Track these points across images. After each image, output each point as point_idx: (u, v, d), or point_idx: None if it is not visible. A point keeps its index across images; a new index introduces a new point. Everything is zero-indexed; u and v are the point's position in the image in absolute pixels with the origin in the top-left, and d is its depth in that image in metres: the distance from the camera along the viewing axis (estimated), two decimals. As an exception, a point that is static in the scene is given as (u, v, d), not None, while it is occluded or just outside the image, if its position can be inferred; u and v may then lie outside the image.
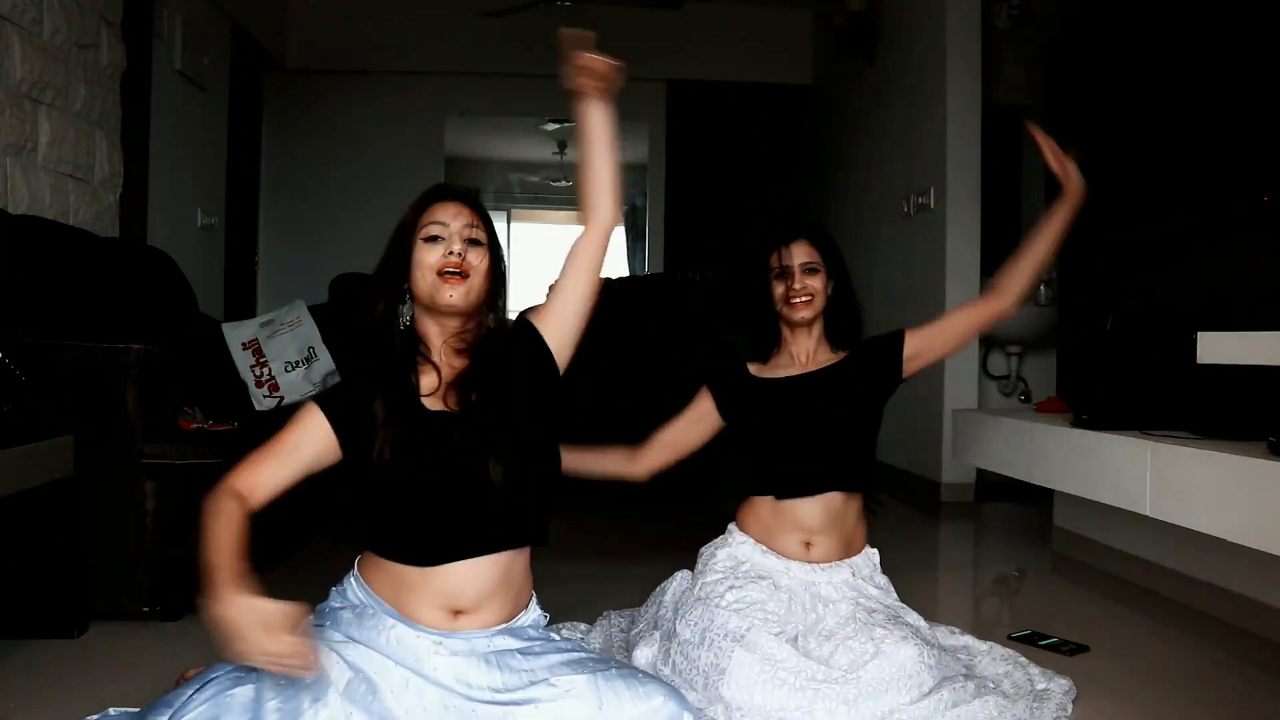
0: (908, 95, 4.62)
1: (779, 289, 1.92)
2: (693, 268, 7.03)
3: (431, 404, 1.44)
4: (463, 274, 1.42)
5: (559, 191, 9.17)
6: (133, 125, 3.68)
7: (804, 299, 1.90)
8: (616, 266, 8.48)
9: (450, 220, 1.45)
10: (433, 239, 1.44)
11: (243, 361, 3.30)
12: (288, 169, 6.15)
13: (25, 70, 2.93)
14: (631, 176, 8.03)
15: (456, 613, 1.39)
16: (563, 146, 8.20)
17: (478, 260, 1.45)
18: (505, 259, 1.52)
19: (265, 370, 3.29)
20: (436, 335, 1.47)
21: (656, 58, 6.25)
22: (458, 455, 1.38)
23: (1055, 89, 3.54)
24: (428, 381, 1.45)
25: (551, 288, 1.58)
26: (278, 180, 6.15)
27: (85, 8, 3.27)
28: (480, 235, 1.47)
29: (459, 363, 1.47)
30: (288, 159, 6.16)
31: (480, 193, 1.55)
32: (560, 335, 1.52)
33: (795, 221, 1.97)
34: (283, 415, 3.20)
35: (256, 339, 3.33)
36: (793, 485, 1.89)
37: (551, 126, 7.38)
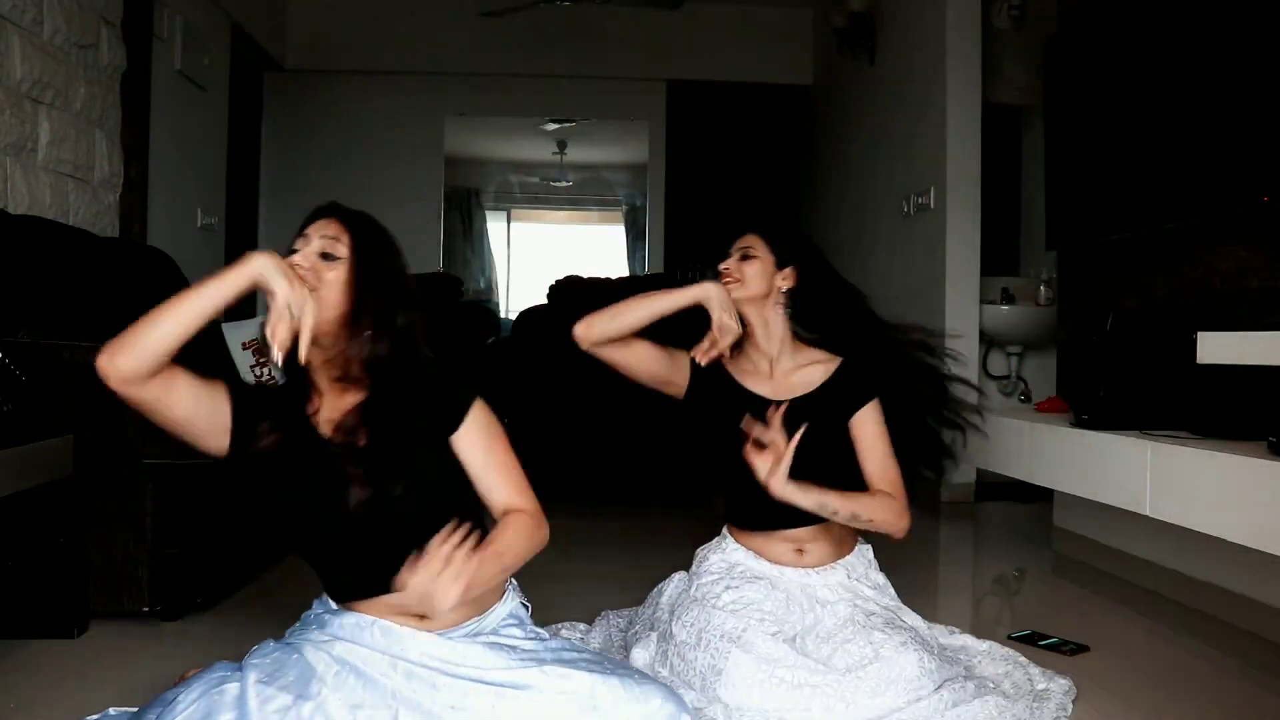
0: (908, 95, 4.62)
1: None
2: (693, 268, 7.03)
3: (324, 428, 1.41)
4: (306, 284, 1.34)
5: (559, 191, 9.17)
6: (133, 125, 3.68)
7: (731, 280, 1.85)
8: (617, 266, 8.48)
9: (313, 235, 1.40)
10: (292, 251, 1.40)
11: (243, 361, 3.30)
12: (288, 169, 6.15)
13: (25, 70, 2.93)
14: (631, 176, 8.04)
15: (420, 617, 1.38)
16: (562, 146, 8.20)
17: (330, 274, 1.37)
18: (378, 272, 1.41)
19: (265, 370, 3.29)
20: (316, 357, 1.40)
21: (656, 58, 6.25)
22: (339, 489, 1.35)
23: (1055, 89, 3.54)
24: (314, 403, 1.43)
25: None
26: (278, 180, 6.15)
27: (85, 8, 3.27)
28: (339, 249, 1.38)
29: (342, 394, 1.42)
30: (288, 159, 6.16)
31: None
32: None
33: (747, 218, 1.95)
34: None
35: (256, 339, 3.33)
36: (772, 520, 1.85)
37: (551, 126, 7.37)
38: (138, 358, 1.26)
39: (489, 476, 1.44)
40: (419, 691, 1.33)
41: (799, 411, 1.78)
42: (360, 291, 1.38)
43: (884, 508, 1.78)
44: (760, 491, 1.71)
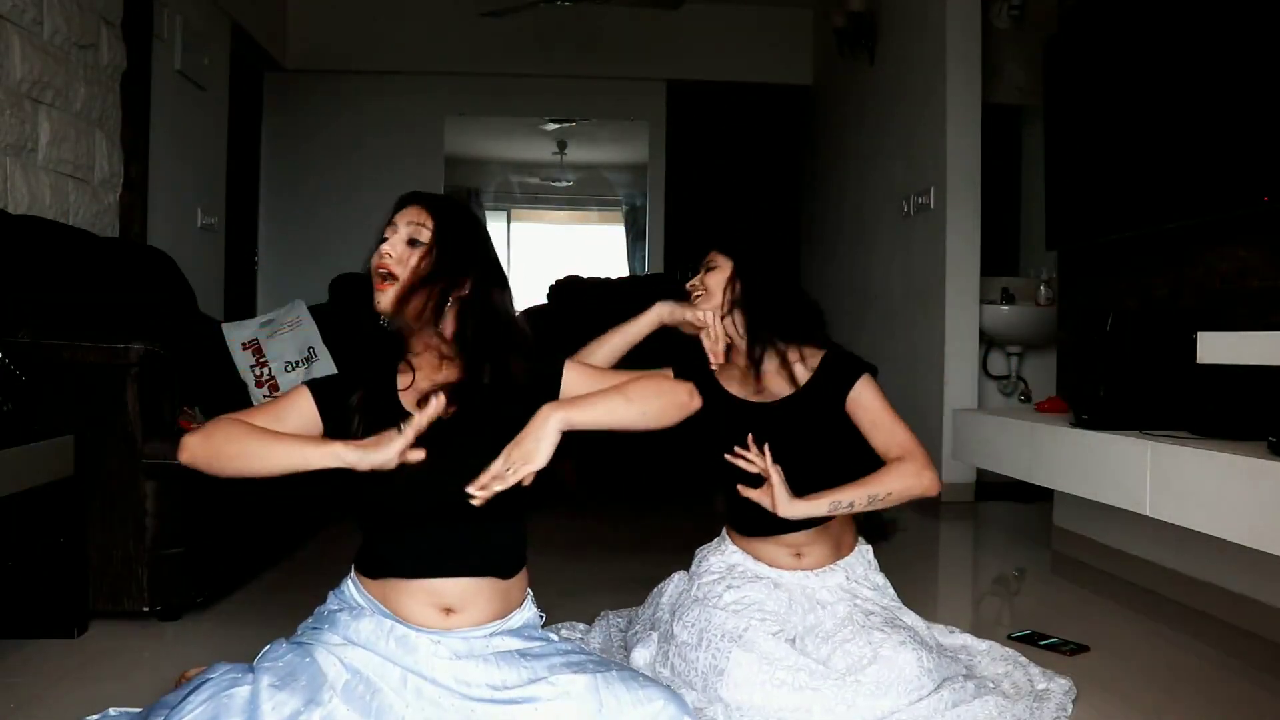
0: (908, 95, 4.62)
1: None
2: (693, 267, 7.02)
3: (409, 403, 1.43)
4: (389, 275, 1.39)
5: (559, 191, 9.17)
6: (133, 125, 3.68)
7: (698, 292, 1.88)
8: (617, 266, 8.49)
9: (401, 224, 1.43)
10: (381, 241, 1.43)
11: (243, 361, 3.30)
12: (288, 169, 6.16)
13: (25, 70, 2.93)
14: (631, 176, 8.04)
15: (447, 610, 1.40)
16: (562, 146, 8.20)
17: (413, 259, 1.40)
18: (456, 257, 1.43)
19: (265, 370, 3.29)
20: (415, 342, 1.46)
21: (656, 58, 6.25)
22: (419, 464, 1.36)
23: (1055, 89, 3.54)
24: (405, 379, 1.46)
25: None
26: (278, 180, 6.15)
27: (85, 8, 3.27)
28: (423, 235, 1.41)
29: (437, 371, 1.46)
30: (288, 159, 6.16)
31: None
32: None
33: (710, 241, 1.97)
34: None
35: (256, 339, 3.33)
36: (769, 526, 1.84)
37: (551, 126, 7.38)
38: (215, 470, 1.34)
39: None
40: (426, 710, 1.34)
41: (787, 410, 1.82)
42: (443, 271, 1.41)
43: (902, 475, 1.74)
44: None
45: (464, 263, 1.43)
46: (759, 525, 1.86)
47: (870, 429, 1.81)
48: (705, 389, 1.81)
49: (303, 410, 1.43)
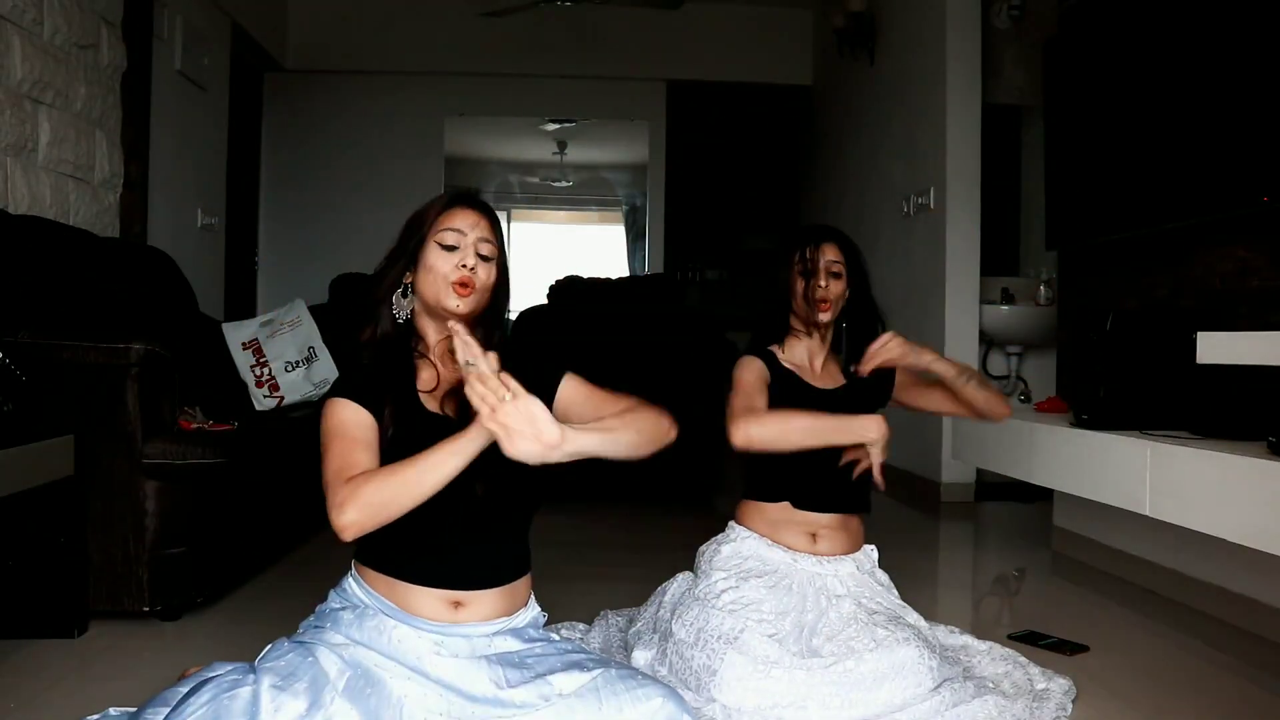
0: (908, 95, 4.62)
1: (800, 285, 1.91)
2: (693, 268, 7.03)
3: (429, 403, 1.44)
4: (470, 287, 1.42)
5: (559, 191, 9.17)
6: (133, 125, 3.68)
7: (825, 302, 1.89)
8: (617, 266, 8.49)
9: (468, 230, 1.44)
10: (449, 248, 1.43)
11: (243, 361, 3.30)
12: (288, 169, 6.16)
13: (25, 70, 2.93)
14: (631, 176, 8.04)
15: (456, 604, 1.40)
16: (562, 146, 8.20)
17: (485, 276, 1.44)
18: (508, 273, 1.50)
19: (265, 370, 3.29)
20: (434, 336, 1.47)
21: (656, 58, 6.26)
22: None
23: (1055, 89, 3.54)
24: (426, 378, 1.46)
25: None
26: (277, 180, 6.16)
27: (85, 8, 3.27)
28: (492, 250, 1.46)
29: (452, 368, 1.46)
30: (288, 159, 6.16)
31: (479, 193, 1.54)
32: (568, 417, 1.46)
33: (826, 225, 1.99)
34: (283, 415, 3.21)
35: (256, 339, 3.33)
36: (816, 499, 1.89)
37: (551, 126, 7.38)
38: (379, 521, 1.27)
39: (601, 408, 1.45)
40: (430, 712, 1.34)
41: (855, 399, 1.92)
42: (502, 287, 1.48)
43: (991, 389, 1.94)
44: (825, 473, 1.85)
45: (508, 275, 1.50)
46: (815, 500, 1.89)
47: (929, 396, 1.99)
48: (779, 374, 1.92)
49: (361, 421, 1.37)
